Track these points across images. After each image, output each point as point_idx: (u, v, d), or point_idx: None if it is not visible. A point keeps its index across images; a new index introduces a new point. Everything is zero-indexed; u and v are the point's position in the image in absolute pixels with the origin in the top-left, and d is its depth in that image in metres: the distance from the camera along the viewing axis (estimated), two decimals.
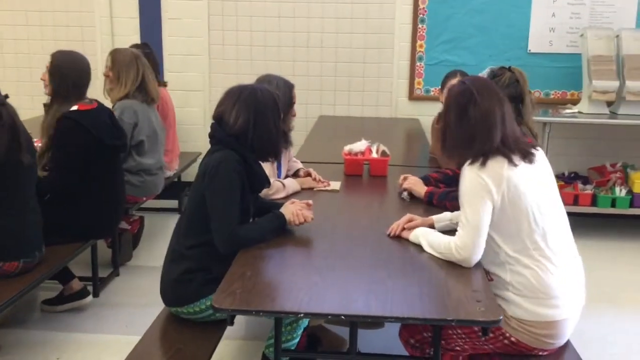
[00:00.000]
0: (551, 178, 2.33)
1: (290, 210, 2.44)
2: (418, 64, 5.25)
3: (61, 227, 3.25)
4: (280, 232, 2.42)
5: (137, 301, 3.63)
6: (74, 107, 3.30)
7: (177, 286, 2.43)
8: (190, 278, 2.40)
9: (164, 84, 4.71)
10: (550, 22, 5.09)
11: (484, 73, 2.84)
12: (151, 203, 4.53)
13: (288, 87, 3.03)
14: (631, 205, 4.67)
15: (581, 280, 2.31)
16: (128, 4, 5.33)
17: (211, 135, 2.48)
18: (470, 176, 2.20)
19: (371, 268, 2.17)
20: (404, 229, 2.48)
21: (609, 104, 4.81)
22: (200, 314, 2.41)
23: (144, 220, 4.51)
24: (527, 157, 2.23)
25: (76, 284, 3.49)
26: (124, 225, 4.09)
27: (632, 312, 3.60)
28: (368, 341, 2.94)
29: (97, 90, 3.92)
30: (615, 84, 4.62)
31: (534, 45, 5.13)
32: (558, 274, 2.19)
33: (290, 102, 3.04)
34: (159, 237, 4.67)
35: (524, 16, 5.10)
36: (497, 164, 2.18)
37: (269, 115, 2.43)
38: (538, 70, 5.06)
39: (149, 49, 4.68)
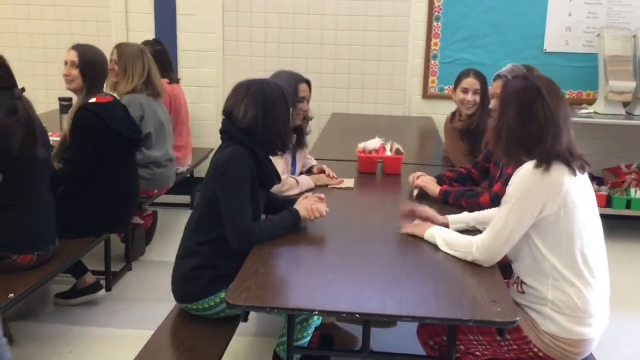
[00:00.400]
0: (593, 193, 2.25)
1: (304, 206, 2.43)
2: (432, 62, 5.23)
3: (75, 221, 3.26)
4: (295, 228, 2.42)
5: (149, 296, 3.64)
6: (92, 100, 3.31)
7: (187, 282, 2.43)
8: (199, 275, 2.40)
9: (177, 81, 4.71)
10: (567, 21, 5.05)
11: (507, 68, 2.83)
12: (164, 198, 4.54)
13: (293, 81, 3.00)
14: None
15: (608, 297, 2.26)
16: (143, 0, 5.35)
17: (222, 131, 2.48)
18: (529, 181, 2.10)
19: (386, 266, 2.16)
20: (417, 216, 2.44)
21: (625, 104, 4.77)
22: (209, 310, 2.41)
23: (157, 215, 4.51)
24: (584, 168, 2.16)
25: (89, 278, 3.51)
26: (137, 219, 4.10)
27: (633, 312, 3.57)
28: (381, 339, 2.93)
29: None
30: (632, 84, 4.57)
31: (549, 45, 5.09)
32: (598, 292, 2.14)
33: (294, 96, 2.98)
34: (171, 233, 4.67)
35: (540, 15, 5.06)
36: (559, 172, 2.10)
37: (277, 109, 2.42)
38: (554, 70, 5.00)
39: (160, 46, 4.69)
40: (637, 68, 4.66)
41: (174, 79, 4.63)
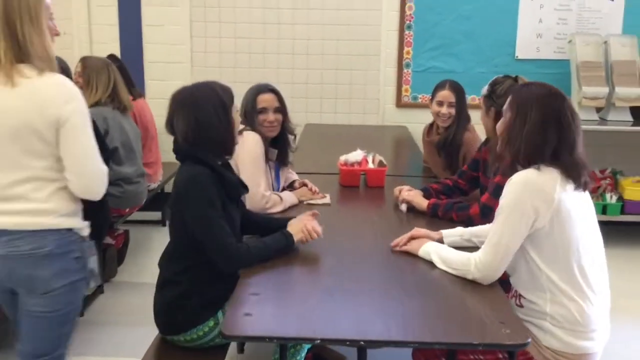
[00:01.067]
0: (592, 208, 2.21)
1: (299, 228, 2.31)
2: (405, 70, 5.19)
3: None
4: (287, 251, 2.30)
5: (124, 320, 3.48)
6: None
7: (171, 313, 2.27)
8: (184, 304, 2.25)
9: (141, 95, 4.57)
10: (537, 27, 5.07)
11: (488, 86, 2.79)
12: (134, 215, 4.37)
13: (252, 92, 2.90)
14: (622, 212, 4.66)
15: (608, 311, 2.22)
16: (107, 10, 5.18)
17: (174, 151, 2.33)
18: (521, 188, 2.05)
19: (383, 287, 2.07)
20: (411, 238, 2.38)
21: (598, 110, 4.80)
22: (198, 340, 2.26)
23: (129, 234, 4.35)
24: (587, 186, 2.11)
25: None
26: (108, 240, 3.94)
27: (628, 321, 3.55)
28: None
29: None
30: (605, 90, 4.60)
31: (521, 52, 5.11)
32: (598, 306, 2.10)
33: (253, 107, 2.88)
34: (143, 252, 4.52)
35: (511, 22, 5.07)
36: (551, 178, 2.05)
37: (210, 109, 2.24)
38: (526, 77, 4.96)
39: (119, 62, 4.54)
40: (608, 74, 4.69)
41: (137, 94, 4.48)
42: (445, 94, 3.56)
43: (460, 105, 3.54)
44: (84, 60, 3.86)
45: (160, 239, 4.83)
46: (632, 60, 4.67)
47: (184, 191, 2.20)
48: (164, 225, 5.04)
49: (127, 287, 3.92)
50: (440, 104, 3.57)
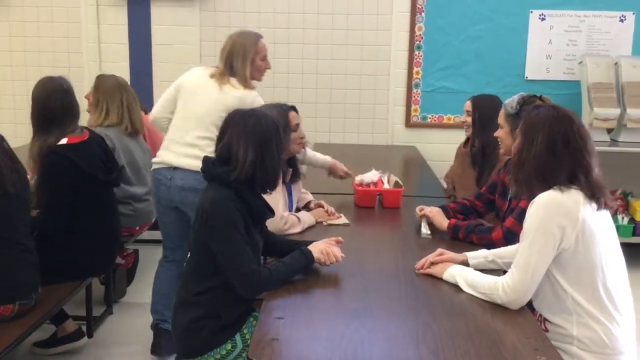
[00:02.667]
0: (613, 227, 2.18)
1: (320, 249, 2.28)
2: (415, 90, 5.18)
3: (56, 266, 3.03)
4: (307, 270, 2.27)
5: (134, 341, 3.43)
6: (63, 141, 3.08)
7: (187, 336, 2.23)
8: (201, 326, 2.21)
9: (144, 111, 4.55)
10: (547, 49, 5.07)
11: (515, 99, 2.75)
12: (143, 234, 4.33)
13: (282, 111, 2.87)
14: (634, 233, 4.64)
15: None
16: (117, 29, 5.17)
17: (202, 170, 2.31)
18: (545, 209, 2.03)
19: (411, 310, 2.03)
20: (432, 263, 2.35)
21: (609, 130, 4.78)
22: None
23: (138, 253, 4.30)
24: (606, 204, 2.09)
25: (70, 325, 3.28)
26: (117, 259, 3.88)
27: None
28: None
29: (84, 118, 3.70)
30: (616, 111, 4.59)
31: (530, 72, 5.11)
32: (624, 327, 2.06)
33: (287, 126, 2.83)
34: (152, 271, 4.42)
35: (520, 43, 5.08)
36: (575, 198, 2.03)
37: (274, 146, 2.25)
38: None
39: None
40: (620, 95, 4.68)
41: (147, 111, 4.46)
42: (466, 104, 3.62)
43: (478, 116, 3.49)
44: (98, 79, 3.82)
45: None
46: None
47: (209, 213, 2.16)
48: None
49: (136, 308, 3.87)
50: (463, 112, 3.64)
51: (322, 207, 3.07)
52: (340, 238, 2.41)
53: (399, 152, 5.04)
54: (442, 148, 5.04)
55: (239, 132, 2.24)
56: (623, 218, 4.65)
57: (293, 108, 2.95)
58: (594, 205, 2.05)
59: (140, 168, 3.89)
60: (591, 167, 2.08)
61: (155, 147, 4.26)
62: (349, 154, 4.91)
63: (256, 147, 2.22)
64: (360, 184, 3.27)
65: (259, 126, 2.24)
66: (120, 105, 3.75)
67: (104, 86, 3.78)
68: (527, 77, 5.11)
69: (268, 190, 2.34)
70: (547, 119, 2.10)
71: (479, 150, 3.42)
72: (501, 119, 2.81)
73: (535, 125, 2.11)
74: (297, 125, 2.91)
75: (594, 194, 2.05)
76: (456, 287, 2.21)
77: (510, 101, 2.76)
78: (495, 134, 2.85)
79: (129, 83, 4.04)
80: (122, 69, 4.91)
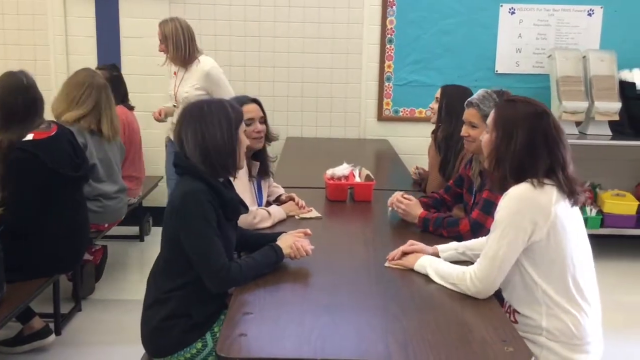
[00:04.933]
0: (582, 221, 2.20)
1: (289, 243, 2.26)
2: (387, 84, 5.18)
3: (22, 263, 2.98)
4: (277, 266, 2.25)
5: (103, 339, 3.38)
6: (29, 136, 3.01)
7: (158, 334, 2.19)
8: (171, 325, 2.17)
9: (131, 108, 4.48)
10: (517, 42, 5.11)
11: (484, 96, 2.76)
12: (111, 230, 4.27)
13: (237, 103, 2.83)
14: (602, 225, 4.71)
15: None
16: (84, 22, 5.08)
17: (174, 164, 2.27)
18: (518, 203, 2.04)
19: (381, 304, 2.02)
20: (404, 254, 2.35)
21: (577, 124, 4.84)
22: None
23: (107, 250, 4.24)
24: (578, 198, 2.09)
25: (37, 323, 3.22)
26: (86, 256, 3.82)
27: (608, 333, 3.55)
28: None
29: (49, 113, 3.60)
30: (584, 104, 4.64)
31: (501, 66, 5.14)
32: (592, 317, 2.09)
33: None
34: (121, 267, 4.41)
35: (491, 37, 5.10)
36: (549, 194, 2.04)
37: (216, 126, 2.19)
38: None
39: (117, 72, 4.45)
40: (588, 88, 4.74)
41: (129, 106, 4.40)
42: (438, 91, 3.57)
43: (445, 103, 3.48)
44: (74, 73, 3.72)
45: (138, 255, 4.74)
46: (611, 75, 4.73)
47: (180, 206, 2.13)
48: (142, 240, 4.93)
49: (105, 304, 3.82)
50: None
51: (293, 200, 3.05)
52: (308, 230, 2.40)
53: (371, 146, 5.05)
54: (414, 141, 5.06)
55: (186, 119, 2.23)
56: (591, 210, 4.71)
57: (254, 101, 2.91)
58: (567, 202, 2.07)
59: (112, 165, 3.82)
60: (567, 163, 2.09)
61: (132, 144, 4.21)
62: (321, 147, 4.92)
63: (198, 127, 2.19)
64: (332, 178, 3.25)
65: (199, 111, 2.22)
66: (93, 102, 3.60)
67: (73, 80, 3.65)
68: (497, 71, 5.14)
69: (231, 174, 2.30)
70: (526, 115, 2.09)
71: (443, 138, 3.43)
72: (475, 118, 2.77)
73: (514, 121, 2.10)
74: (251, 119, 2.82)
75: (570, 190, 2.06)
76: (426, 280, 2.21)
77: (482, 99, 2.75)
78: (464, 132, 2.83)
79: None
80: (89, 62, 4.81)
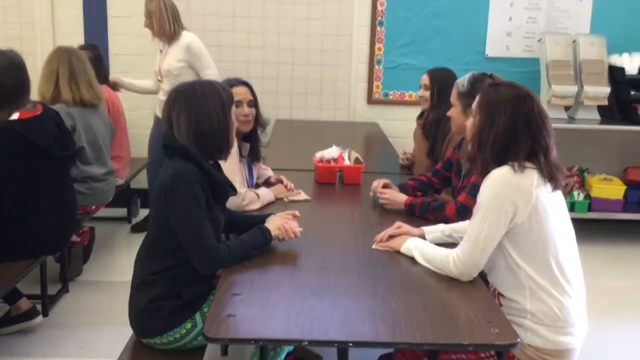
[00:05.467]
0: (564, 204, 2.21)
1: (277, 225, 2.26)
2: (377, 67, 5.15)
3: (9, 244, 2.97)
4: (265, 248, 2.25)
5: (91, 320, 3.37)
6: (15, 116, 2.98)
7: (146, 315, 2.18)
8: (160, 306, 2.16)
9: (116, 87, 4.45)
10: (507, 26, 5.09)
11: (466, 78, 2.76)
12: (99, 212, 4.25)
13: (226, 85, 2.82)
14: (589, 209, 4.73)
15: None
16: (71, 0, 5.01)
17: (163, 145, 2.26)
18: (500, 185, 2.05)
19: (369, 286, 2.03)
20: (391, 237, 2.36)
21: (567, 108, 4.85)
22: (174, 343, 2.18)
23: (95, 231, 4.22)
24: (558, 183, 2.10)
25: (24, 304, 3.20)
26: (73, 237, 3.80)
27: (594, 317, 3.59)
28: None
29: (35, 93, 3.58)
30: (574, 88, 4.65)
31: (491, 50, 5.12)
32: (575, 299, 2.11)
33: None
34: (108, 249, 4.40)
35: (481, 20, 5.08)
36: (530, 177, 2.05)
37: (210, 108, 2.18)
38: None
39: (97, 51, 4.40)
40: (577, 73, 4.74)
41: (111, 86, 4.36)
42: (423, 77, 3.58)
43: (435, 90, 3.48)
44: (52, 52, 3.71)
45: (125, 236, 4.72)
46: (600, 60, 4.73)
47: (169, 187, 2.11)
48: (130, 222, 4.91)
49: (92, 286, 3.81)
50: (420, 87, 3.57)
51: (282, 182, 3.04)
52: (296, 212, 2.39)
53: (361, 129, 5.03)
54: (404, 125, 5.02)
55: (175, 98, 2.22)
56: (579, 194, 4.74)
57: (245, 84, 2.89)
58: (549, 186, 2.08)
59: (101, 148, 3.80)
60: (550, 148, 2.10)
61: (116, 124, 4.18)
62: (310, 130, 4.90)
63: (191, 108, 2.18)
64: (321, 160, 3.25)
65: (192, 92, 2.21)
66: (69, 74, 3.61)
67: (52, 56, 3.67)
68: (487, 55, 5.12)
69: (221, 156, 2.30)
70: (509, 98, 2.10)
71: (434, 122, 3.42)
72: (453, 97, 2.82)
73: (496, 105, 2.11)
74: (239, 102, 2.79)
75: (551, 175, 2.07)
76: (413, 262, 2.22)
77: (462, 80, 2.78)
78: (448, 113, 2.85)
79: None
80: (75, 41, 4.73)
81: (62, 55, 3.64)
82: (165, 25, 4.20)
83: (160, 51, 4.33)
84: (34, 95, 3.32)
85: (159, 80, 4.36)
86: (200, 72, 4.24)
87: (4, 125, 2.93)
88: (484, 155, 2.13)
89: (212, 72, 4.23)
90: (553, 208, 2.10)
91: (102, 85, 4.00)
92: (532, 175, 2.06)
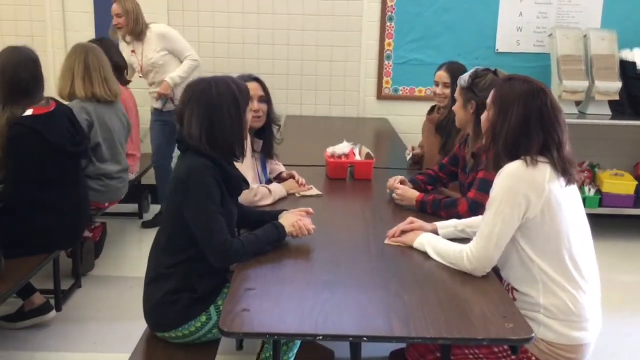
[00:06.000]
0: (579, 198, 2.20)
1: (291, 222, 2.27)
2: (386, 62, 5.15)
3: (22, 239, 3.00)
4: (279, 244, 2.25)
5: (103, 314, 3.40)
6: (29, 112, 3.00)
7: (161, 309, 2.20)
8: (175, 299, 2.18)
9: (127, 82, 4.47)
10: (518, 21, 5.07)
11: (468, 73, 2.77)
12: (110, 207, 4.27)
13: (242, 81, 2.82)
14: (600, 204, 4.72)
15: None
16: None
17: (177, 140, 2.27)
18: (512, 180, 2.05)
19: (382, 280, 2.03)
20: (403, 232, 2.36)
21: (577, 103, 4.83)
22: (190, 336, 2.20)
23: (106, 227, 4.24)
24: (572, 177, 2.09)
25: (38, 298, 3.23)
26: (85, 233, 3.83)
27: (610, 313, 3.58)
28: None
29: (49, 90, 3.59)
30: (584, 83, 4.63)
31: (501, 45, 5.11)
32: (590, 294, 2.10)
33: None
34: (119, 244, 4.42)
35: (491, 15, 5.06)
36: (542, 170, 2.05)
37: (225, 113, 2.18)
38: (506, 70, 4.90)
39: (106, 44, 4.42)
40: (588, 67, 4.72)
41: (124, 82, 4.38)
42: (440, 74, 3.56)
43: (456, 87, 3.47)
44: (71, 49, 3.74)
45: (136, 232, 4.74)
46: (611, 54, 4.71)
47: (184, 181, 2.13)
48: (141, 217, 4.94)
49: (104, 281, 3.83)
50: (436, 84, 3.57)
51: (294, 177, 3.05)
52: (310, 209, 2.40)
53: (371, 124, 5.03)
54: (414, 120, 5.02)
55: (191, 97, 2.22)
56: (590, 189, 4.73)
57: (256, 79, 2.89)
58: (562, 180, 2.07)
59: (116, 145, 3.82)
60: (563, 143, 2.09)
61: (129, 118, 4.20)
62: (320, 126, 4.91)
63: (205, 110, 2.18)
64: (332, 156, 3.25)
65: (207, 94, 2.20)
66: (85, 70, 3.63)
67: (69, 53, 3.71)
68: (497, 50, 5.11)
69: (235, 159, 2.30)
70: (522, 92, 2.10)
71: (447, 120, 3.41)
72: (456, 92, 2.86)
73: (509, 99, 2.11)
74: (251, 97, 2.80)
75: (564, 169, 2.07)
76: (426, 257, 2.23)
77: (464, 75, 2.81)
78: (453, 107, 2.87)
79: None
80: (86, 38, 4.74)
81: (78, 52, 3.67)
82: (140, 23, 4.43)
83: (133, 51, 4.53)
84: (52, 91, 3.35)
85: (140, 77, 4.60)
86: (180, 56, 4.47)
87: (18, 120, 2.96)
88: (496, 149, 2.13)
89: (191, 53, 4.47)
90: (567, 202, 2.09)
91: None
92: (544, 169, 2.05)
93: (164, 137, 4.57)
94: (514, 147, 2.09)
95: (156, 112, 4.61)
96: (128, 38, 4.50)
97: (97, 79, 3.68)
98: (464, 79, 2.80)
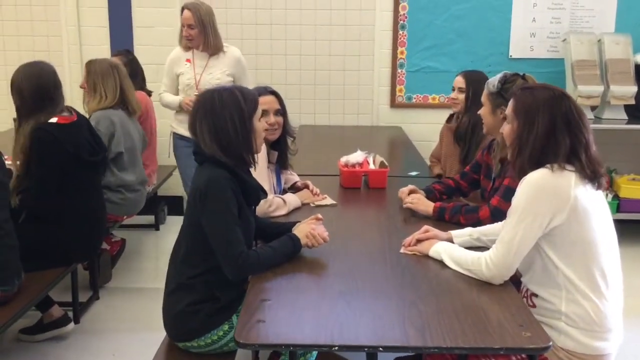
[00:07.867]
0: (606, 205, 2.17)
1: (305, 232, 2.27)
2: (399, 70, 5.16)
3: (41, 251, 3.02)
4: (294, 256, 2.26)
5: (121, 326, 3.42)
6: (53, 120, 3.07)
7: (184, 319, 2.21)
8: (197, 309, 2.19)
9: (149, 93, 4.51)
10: (531, 27, 5.06)
11: (497, 77, 2.74)
12: (127, 219, 4.31)
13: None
14: (618, 210, 4.67)
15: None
16: (97, 12, 5.10)
17: (194, 152, 2.28)
18: (535, 189, 2.02)
19: (397, 290, 2.03)
20: (418, 240, 2.35)
21: (593, 108, 4.80)
22: (212, 345, 2.21)
23: (126, 242, 4.27)
24: (600, 181, 2.07)
25: (56, 311, 3.26)
26: (103, 245, 3.86)
27: (629, 320, 3.54)
28: None
29: (67, 102, 3.64)
30: (600, 88, 4.60)
31: (515, 51, 5.09)
32: (613, 303, 2.07)
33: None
34: (135, 256, 4.45)
35: (504, 21, 5.06)
36: (566, 178, 2.01)
37: (227, 119, 2.18)
38: None
39: (132, 56, 4.48)
40: (603, 72, 4.69)
41: (146, 91, 4.43)
42: (457, 80, 3.58)
43: (471, 93, 3.47)
44: (88, 65, 3.76)
45: (153, 243, 4.77)
46: (627, 59, 4.68)
47: (203, 192, 2.14)
48: (157, 229, 4.97)
49: (122, 293, 3.86)
50: (453, 89, 3.58)
51: (308, 187, 3.06)
52: (319, 215, 2.40)
53: (384, 133, 5.03)
54: (427, 128, 5.04)
55: (198, 107, 2.24)
56: (607, 195, 4.68)
57: (272, 93, 2.90)
58: (589, 186, 2.04)
59: (136, 154, 3.88)
60: (590, 144, 2.06)
61: (149, 131, 4.24)
62: (334, 135, 4.92)
63: (209, 118, 2.19)
64: (346, 165, 3.26)
65: (211, 103, 2.22)
66: (115, 86, 3.71)
67: (96, 70, 3.73)
68: (511, 56, 5.10)
69: (249, 166, 2.30)
70: (546, 100, 2.07)
71: (468, 126, 3.40)
72: (483, 97, 2.81)
73: (534, 107, 2.08)
74: (265, 111, 2.76)
75: (593, 171, 2.04)
76: (442, 265, 2.21)
77: (493, 79, 2.76)
78: (479, 111, 2.85)
79: None
80: (102, 53, 4.84)
81: (113, 68, 3.74)
82: (218, 37, 3.95)
83: (189, 60, 3.98)
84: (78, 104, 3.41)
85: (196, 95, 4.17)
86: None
87: (42, 124, 3.01)
88: (522, 159, 2.10)
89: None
90: (594, 209, 2.05)
91: (138, 91, 4.07)
92: (569, 177, 2.02)
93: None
94: (542, 156, 2.06)
95: (177, 137, 4.17)
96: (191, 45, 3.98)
97: (131, 89, 3.80)
98: (492, 83, 2.75)
